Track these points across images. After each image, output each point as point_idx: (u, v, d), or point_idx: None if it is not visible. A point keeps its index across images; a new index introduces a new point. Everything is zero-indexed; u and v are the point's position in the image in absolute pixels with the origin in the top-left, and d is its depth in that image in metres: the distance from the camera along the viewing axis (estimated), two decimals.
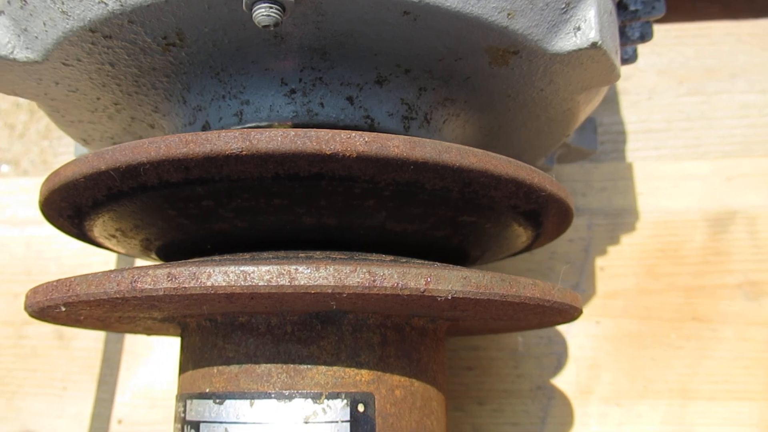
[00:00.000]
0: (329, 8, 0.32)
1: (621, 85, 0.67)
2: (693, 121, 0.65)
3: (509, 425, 0.58)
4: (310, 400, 0.34)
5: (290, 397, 0.34)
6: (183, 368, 0.39)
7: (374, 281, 0.30)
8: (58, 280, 0.33)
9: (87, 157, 0.32)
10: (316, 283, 0.29)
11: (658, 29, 0.62)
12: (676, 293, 0.59)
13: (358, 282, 0.30)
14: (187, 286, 0.30)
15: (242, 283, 0.29)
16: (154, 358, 0.62)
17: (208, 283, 0.30)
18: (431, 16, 0.33)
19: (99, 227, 0.39)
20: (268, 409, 0.34)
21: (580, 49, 0.35)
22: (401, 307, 0.34)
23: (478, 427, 0.58)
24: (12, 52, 0.36)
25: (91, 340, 0.62)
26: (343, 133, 0.30)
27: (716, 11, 0.68)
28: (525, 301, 0.33)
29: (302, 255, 0.36)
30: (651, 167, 0.63)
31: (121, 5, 0.32)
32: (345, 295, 0.30)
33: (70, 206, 0.36)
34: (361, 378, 0.35)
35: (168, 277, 0.30)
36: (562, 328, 0.60)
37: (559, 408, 0.58)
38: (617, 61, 0.38)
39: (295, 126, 0.38)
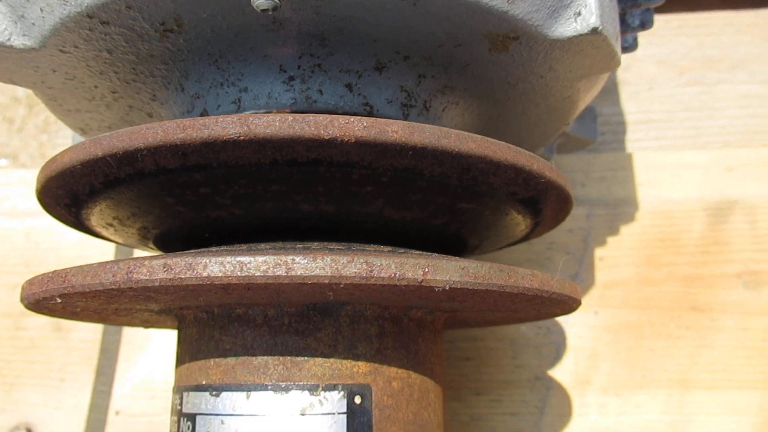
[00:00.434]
0: None
1: (621, 75, 0.67)
2: (693, 112, 0.65)
3: (507, 415, 0.58)
4: (306, 392, 0.34)
5: (287, 389, 0.34)
6: (180, 360, 0.39)
7: (371, 271, 0.30)
8: (53, 272, 0.33)
9: (84, 144, 0.32)
10: (312, 274, 0.29)
11: (659, 19, 0.62)
12: (675, 283, 0.59)
13: (355, 272, 0.30)
14: (183, 276, 0.29)
15: (239, 273, 0.29)
16: (153, 350, 0.62)
17: (204, 274, 0.29)
18: (431, 1, 0.33)
19: (96, 216, 0.39)
20: (264, 401, 0.34)
21: (581, 35, 0.35)
22: (399, 298, 0.34)
23: (477, 417, 0.58)
24: (9, 39, 0.36)
25: (89, 332, 0.62)
26: (342, 118, 0.30)
27: (716, 1, 0.68)
28: (523, 291, 0.33)
29: (299, 246, 0.36)
30: (651, 157, 0.63)
31: None
32: (342, 286, 0.30)
33: (67, 194, 0.36)
34: (358, 370, 0.35)
35: (164, 267, 0.30)
36: (560, 318, 0.60)
37: (558, 398, 0.58)
38: (618, 47, 0.38)
39: (294, 113, 0.38)
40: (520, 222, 0.41)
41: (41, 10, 0.34)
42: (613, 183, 0.63)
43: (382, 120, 0.30)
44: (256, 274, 0.29)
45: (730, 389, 0.57)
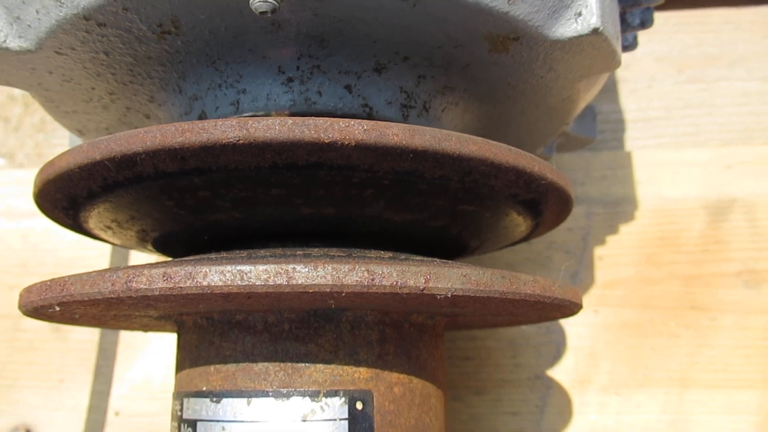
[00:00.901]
0: None
1: (620, 73, 0.66)
2: (693, 109, 0.65)
3: (508, 415, 0.58)
4: (308, 398, 0.34)
5: (288, 396, 0.34)
6: (180, 366, 0.39)
7: (373, 280, 0.29)
8: (51, 280, 0.33)
9: (81, 147, 0.32)
10: (314, 282, 0.29)
11: (658, 17, 0.61)
12: (675, 282, 0.59)
13: (357, 281, 0.29)
14: (182, 285, 0.29)
15: (239, 282, 0.29)
16: (151, 351, 0.62)
17: (204, 283, 0.29)
18: (430, 2, 0.32)
19: (94, 219, 0.38)
20: (265, 407, 0.34)
21: (581, 36, 0.35)
22: (400, 305, 0.33)
23: (477, 416, 0.58)
24: (5, 41, 0.35)
25: (87, 333, 0.62)
26: (342, 121, 0.29)
27: None
28: (525, 298, 0.33)
29: (300, 253, 0.35)
30: (650, 155, 0.63)
31: None
32: (344, 294, 0.30)
33: (65, 197, 0.36)
34: (360, 375, 0.35)
35: (163, 276, 0.29)
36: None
37: (558, 397, 0.58)
38: (618, 47, 0.38)
39: (293, 115, 0.37)
40: (520, 223, 0.41)
41: (37, 12, 0.34)
42: (613, 181, 0.62)
43: (383, 123, 0.30)
44: (256, 283, 0.29)
45: (729, 388, 0.57)
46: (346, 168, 0.31)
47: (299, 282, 0.29)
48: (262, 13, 0.30)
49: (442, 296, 0.31)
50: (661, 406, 0.57)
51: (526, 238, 0.45)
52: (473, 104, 0.41)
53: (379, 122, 0.30)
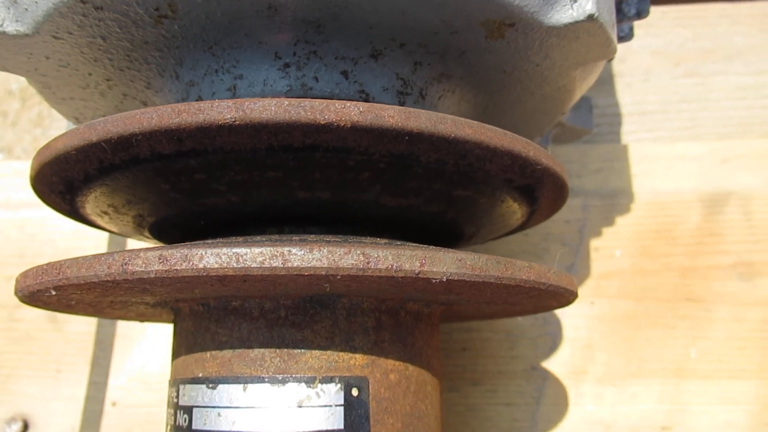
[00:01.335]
0: None
1: (616, 67, 0.67)
2: (689, 103, 0.65)
3: (503, 406, 0.58)
4: (303, 384, 0.34)
5: (284, 382, 0.34)
6: (176, 353, 0.39)
7: (368, 263, 0.30)
8: (48, 264, 0.33)
9: (78, 129, 0.32)
10: (309, 265, 0.29)
11: (654, 11, 0.62)
12: (670, 274, 0.59)
13: (353, 264, 0.29)
14: (178, 268, 0.29)
15: (235, 265, 0.29)
16: (148, 341, 0.62)
17: (200, 265, 0.29)
18: None
19: (91, 203, 0.38)
20: (261, 393, 0.34)
21: (577, 22, 0.35)
22: (396, 290, 0.33)
23: (473, 407, 0.58)
24: (1, 25, 0.35)
25: (84, 324, 0.62)
26: (338, 103, 0.30)
27: None
28: (520, 283, 0.33)
29: (296, 237, 0.35)
30: (646, 149, 0.63)
31: None
32: (339, 277, 0.30)
33: (62, 181, 0.36)
34: (355, 362, 0.35)
35: (159, 259, 0.29)
36: (556, 309, 0.60)
37: (554, 388, 0.58)
38: (614, 35, 0.38)
39: None
40: (516, 210, 0.41)
41: None
42: (609, 174, 0.63)
43: (378, 105, 0.30)
44: (252, 266, 0.29)
45: (724, 379, 0.57)
46: (342, 150, 0.31)
47: (294, 264, 0.29)
48: None
49: (438, 280, 0.31)
50: (656, 397, 0.57)
51: (522, 227, 0.46)
52: (469, 92, 0.42)
53: (375, 104, 0.30)
